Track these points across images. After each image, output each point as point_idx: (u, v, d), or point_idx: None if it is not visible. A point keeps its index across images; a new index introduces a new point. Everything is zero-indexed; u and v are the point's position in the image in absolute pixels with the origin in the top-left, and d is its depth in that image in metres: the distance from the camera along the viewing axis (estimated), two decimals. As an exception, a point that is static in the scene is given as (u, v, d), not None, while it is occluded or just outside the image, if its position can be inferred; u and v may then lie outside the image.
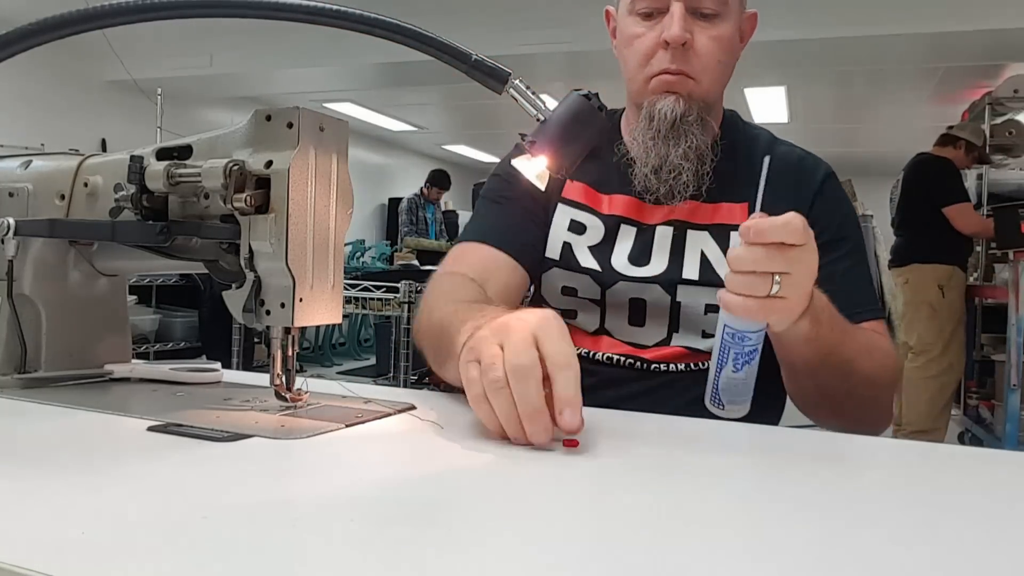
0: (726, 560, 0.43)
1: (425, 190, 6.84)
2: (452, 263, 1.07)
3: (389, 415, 0.77)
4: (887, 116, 6.84)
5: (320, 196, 0.75)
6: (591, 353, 1.05)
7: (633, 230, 1.07)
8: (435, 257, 3.05)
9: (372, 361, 6.16)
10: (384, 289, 2.64)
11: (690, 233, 1.04)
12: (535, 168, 0.88)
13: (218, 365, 0.98)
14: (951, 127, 4.02)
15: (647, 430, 0.78)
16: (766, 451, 0.74)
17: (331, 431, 0.69)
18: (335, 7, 0.73)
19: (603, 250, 1.07)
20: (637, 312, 1.05)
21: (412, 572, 0.40)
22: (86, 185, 0.86)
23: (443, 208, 7.08)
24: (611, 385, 1.03)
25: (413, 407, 0.80)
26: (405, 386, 2.67)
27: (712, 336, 0.98)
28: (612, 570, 0.40)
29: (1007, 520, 0.52)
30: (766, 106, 6.50)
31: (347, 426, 0.71)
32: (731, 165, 1.05)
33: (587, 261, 1.07)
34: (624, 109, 1.13)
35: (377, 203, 9.26)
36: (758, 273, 0.72)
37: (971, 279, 3.97)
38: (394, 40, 0.76)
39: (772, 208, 0.98)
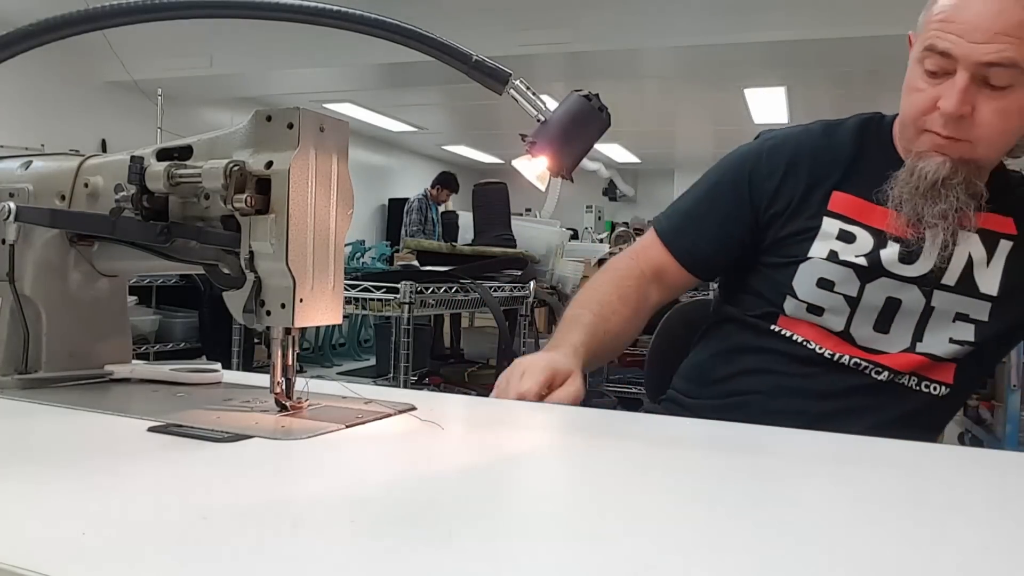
0: (726, 560, 0.43)
1: (433, 192, 6.84)
2: (641, 250, 1.19)
3: (389, 415, 0.77)
4: (887, 116, 6.84)
5: (320, 197, 0.74)
6: (833, 355, 1.05)
7: (898, 244, 1.05)
8: (435, 258, 3.04)
9: (372, 361, 6.16)
10: (384, 290, 2.63)
11: (960, 235, 1.02)
12: (535, 168, 0.88)
13: (218, 366, 0.98)
14: None
15: (648, 430, 0.78)
16: (766, 451, 0.74)
17: (331, 432, 0.69)
18: (335, 7, 0.73)
19: (872, 255, 1.05)
20: (885, 316, 1.04)
21: (412, 572, 0.40)
22: (86, 186, 0.86)
23: (443, 209, 7.08)
24: (837, 396, 1.04)
25: (413, 407, 0.80)
26: (405, 386, 2.67)
27: (958, 344, 1.03)
28: (612, 570, 0.40)
29: (1007, 520, 0.52)
30: (766, 106, 6.50)
31: (347, 427, 0.71)
32: (997, 180, 1.04)
33: (851, 258, 1.05)
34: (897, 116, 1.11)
35: (377, 204, 9.26)
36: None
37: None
38: (395, 41, 0.76)
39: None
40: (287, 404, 0.76)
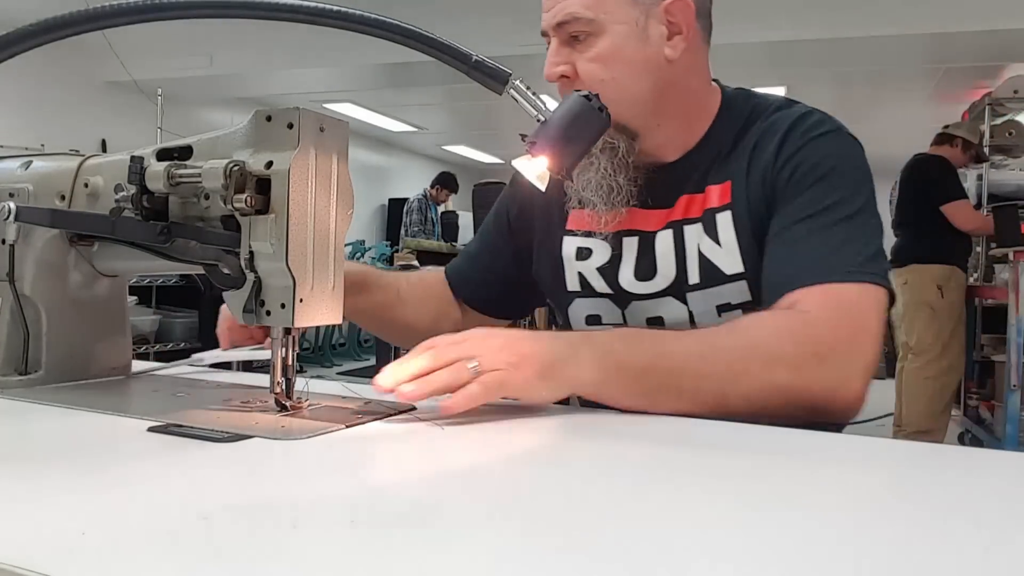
0: (725, 560, 0.43)
1: (433, 192, 6.83)
2: (425, 272, 1.27)
3: (389, 416, 0.77)
4: (887, 116, 6.84)
5: (320, 197, 0.75)
6: None
7: (635, 240, 1.02)
8: (435, 258, 3.06)
9: (372, 361, 6.16)
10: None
11: (686, 231, 0.99)
12: (535, 169, 0.88)
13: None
14: (947, 126, 4.02)
15: (647, 430, 0.78)
16: (766, 451, 0.74)
17: (331, 431, 0.69)
18: (335, 7, 0.73)
19: (611, 271, 1.03)
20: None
21: (412, 572, 0.40)
22: (86, 186, 0.86)
23: (443, 209, 7.08)
24: None
25: (413, 407, 0.80)
26: (405, 386, 2.67)
27: None
28: (612, 570, 0.40)
29: (1007, 520, 0.52)
30: (766, 106, 6.50)
31: (347, 427, 0.71)
32: (720, 150, 0.99)
33: (600, 286, 1.04)
34: None
35: (377, 203, 9.26)
36: (451, 366, 0.73)
37: (971, 279, 3.97)
38: (394, 41, 0.76)
39: (751, 178, 0.96)
40: (287, 404, 0.76)
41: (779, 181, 0.93)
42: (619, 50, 0.94)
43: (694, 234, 0.99)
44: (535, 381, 0.76)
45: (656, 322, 1.01)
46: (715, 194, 0.98)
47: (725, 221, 0.97)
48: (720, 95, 1.05)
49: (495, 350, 0.75)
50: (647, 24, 0.95)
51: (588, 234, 1.05)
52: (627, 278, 1.02)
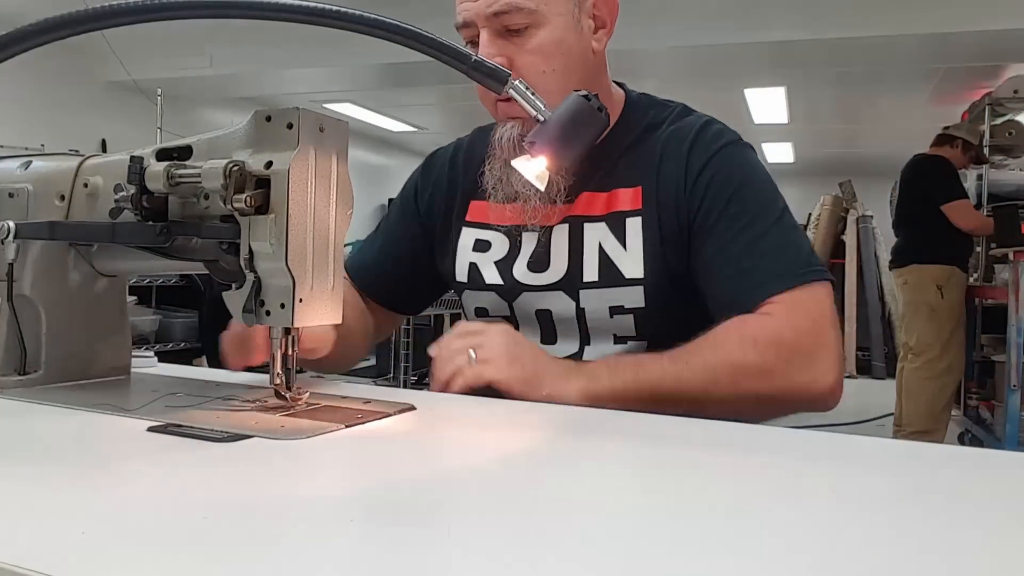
0: (726, 560, 0.43)
1: None
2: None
3: (389, 415, 0.77)
4: (887, 116, 6.84)
5: (320, 197, 0.75)
6: None
7: (535, 235, 1.03)
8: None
9: (372, 361, 6.15)
10: (384, 289, 2.64)
11: (587, 228, 0.99)
12: (535, 168, 0.88)
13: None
14: (947, 127, 4.02)
15: (646, 430, 0.78)
16: (766, 451, 0.74)
17: (331, 431, 0.69)
18: (335, 7, 0.73)
19: (507, 263, 1.04)
20: (547, 327, 1.02)
21: (412, 572, 0.40)
22: (86, 186, 0.86)
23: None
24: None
25: (413, 407, 0.80)
26: (405, 386, 2.67)
27: (625, 340, 0.97)
28: (612, 570, 0.40)
29: (1007, 520, 0.52)
30: (766, 106, 6.50)
31: (347, 426, 0.71)
32: (623, 152, 1.00)
33: (492, 277, 1.05)
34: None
35: (377, 203, 9.26)
36: (454, 350, 0.83)
37: (971, 280, 3.97)
38: (394, 41, 0.76)
39: (661, 187, 0.97)
40: (287, 396, 0.76)
41: (693, 200, 0.95)
42: (560, 41, 0.95)
43: (596, 232, 0.99)
44: (519, 385, 0.84)
45: (544, 315, 1.02)
46: (625, 197, 0.99)
47: (635, 226, 0.97)
48: (624, 96, 1.06)
49: (498, 346, 0.82)
50: (580, 16, 0.97)
51: (487, 226, 1.07)
52: (521, 269, 1.03)
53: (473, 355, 0.82)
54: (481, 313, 1.07)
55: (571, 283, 0.99)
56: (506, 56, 0.94)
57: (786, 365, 0.84)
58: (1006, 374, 3.40)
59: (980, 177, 4.33)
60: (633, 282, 0.96)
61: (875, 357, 6.58)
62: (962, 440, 4.12)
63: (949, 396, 3.79)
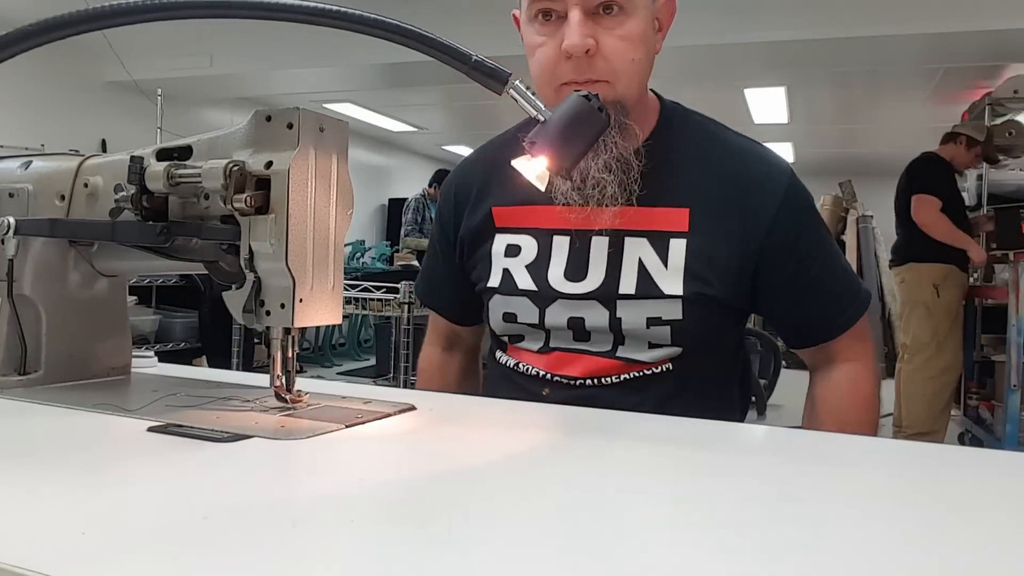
0: (726, 560, 0.43)
1: (431, 191, 6.83)
2: (430, 334, 1.26)
3: (389, 415, 0.77)
4: (887, 116, 6.84)
5: (320, 197, 0.75)
6: (551, 375, 1.02)
7: (566, 240, 1.02)
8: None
9: (372, 362, 6.15)
10: (384, 290, 2.64)
11: (627, 241, 0.98)
12: (535, 169, 0.88)
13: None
14: (964, 118, 4.00)
15: (646, 431, 0.78)
16: (766, 451, 0.74)
17: (331, 431, 0.69)
18: (335, 8, 0.73)
19: (539, 267, 1.02)
20: (579, 334, 1.01)
21: (412, 572, 0.40)
22: (86, 186, 0.86)
23: (443, 209, 7.07)
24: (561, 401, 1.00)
25: (413, 407, 0.80)
26: (405, 386, 2.66)
27: (659, 346, 0.98)
28: (612, 570, 0.40)
29: (1007, 520, 0.52)
30: (766, 106, 6.49)
31: (347, 426, 0.71)
32: (667, 166, 0.99)
33: (525, 283, 1.03)
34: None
35: (377, 203, 9.26)
36: None
37: (971, 279, 3.96)
38: (394, 41, 0.76)
39: (717, 212, 0.98)
40: (287, 397, 0.76)
41: (776, 236, 0.99)
42: (644, 33, 0.95)
43: (637, 247, 0.99)
44: None
45: (576, 322, 1.00)
46: (671, 217, 0.98)
47: (678, 247, 0.97)
48: (658, 102, 1.06)
49: None
50: (653, 13, 0.98)
51: (518, 231, 1.06)
52: (556, 276, 1.01)
53: None
54: (510, 319, 1.05)
55: (607, 294, 0.98)
56: (595, 38, 0.92)
57: (878, 410, 1.05)
58: (1006, 374, 3.40)
59: (980, 177, 4.32)
60: (672, 297, 0.97)
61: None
62: (962, 440, 4.12)
63: (948, 396, 3.78)
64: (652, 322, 0.97)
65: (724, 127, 1.06)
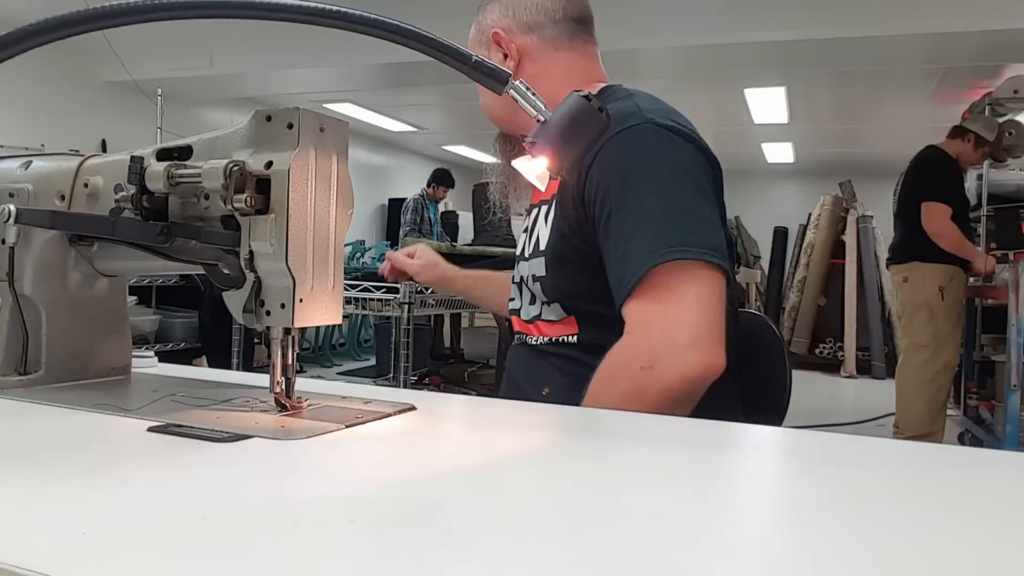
0: (725, 560, 0.43)
1: (430, 190, 6.84)
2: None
3: (389, 415, 0.77)
4: (887, 116, 6.84)
5: (320, 197, 0.75)
6: (525, 336, 1.14)
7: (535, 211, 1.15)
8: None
9: (372, 362, 6.16)
10: (384, 290, 2.64)
11: (538, 209, 1.12)
12: (535, 169, 0.88)
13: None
14: (964, 119, 3.96)
15: (645, 431, 0.78)
16: (765, 451, 0.74)
17: (331, 432, 0.69)
18: (335, 8, 0.73)
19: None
20: (522, 292, 1.15)
21: (412, 572, 0.40)
22: (86, 186, 0.86)
23: (443, 208, 7.08)
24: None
25: (413, 407, 0.80)
26: (405, 387, 2.67)
27: (538, 305, 1.11)
28: (611, 570, 0.40)
29: (1007, 520, 0.52)
30: (766, 106, 6.50)
31: (347, 427, 0.71)
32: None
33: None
34: None
35: (377, 203, 9.26)
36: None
37: (971, 279, 3.95)
38: (394, 41, 0.76)
39: (564, 182, 1.05)
40: (287, 404, 0.76)
41: (588, 191, 1.00)
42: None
43: (540, 212, 1.11)
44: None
45: (517, 278, 1.17)
46: (556, 182, 1.08)
47: (551, 207, 1.08)
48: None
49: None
50: (488, 55, 1.13)
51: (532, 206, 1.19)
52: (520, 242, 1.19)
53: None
54: (515, 280, 1.19)
55: (522, 255, 1.15)
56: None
57: (650, 377, 0.90)
58: (1006, 374, 3.39)
59: (980, 177, 4.32)
60: (540, 253, 1.08)
61: (875, 357, 6.58)
62: (962, 440, 4.12)
63: (945, 396, 3.77)
64: (536, 279, 1.08)
65: (622, 95, 1.08)
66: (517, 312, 1.16)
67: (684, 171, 0.97)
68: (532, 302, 1.11)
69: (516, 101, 0.84)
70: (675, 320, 0.90)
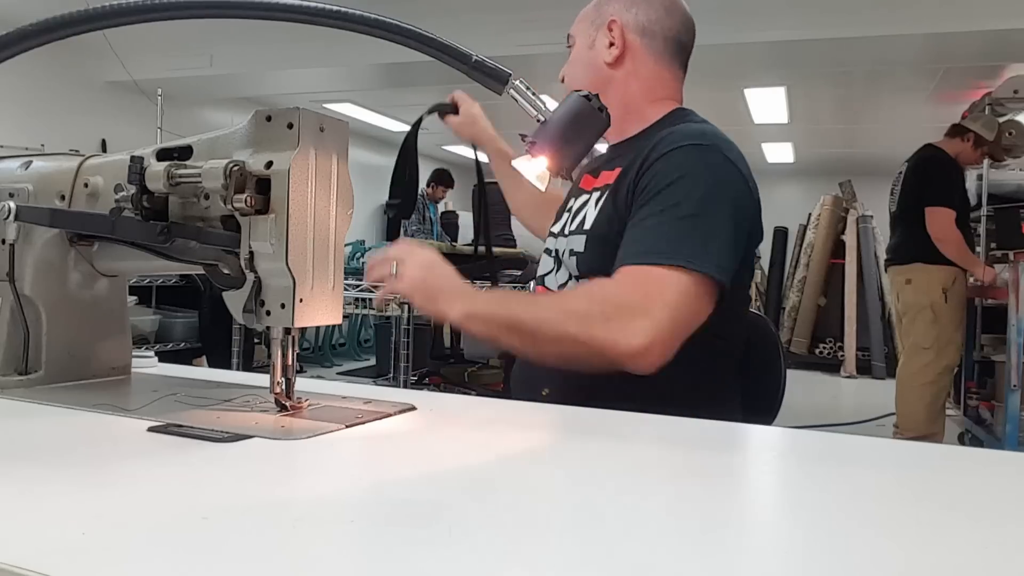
0: (724, 560, 0.43)
1: (430, 190, 6.84)
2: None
3: (389, 415, 0.77)
4: (887, 116, 6.83)
5: (320, 197, 0.74)
6: None
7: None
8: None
9: (372, 361, 6.16)
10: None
11: (592, 196, 1.19)
12: (535, 169, 0.88)
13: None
14: (964, 117, 3.93)
15: (645, 431, 0.78)
16: (765, 451, 0.74)
17: (331, 432, 0.69)
18: (335, 7, 0.73)
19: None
20: (549, 268, 1.24)
21: (412, 572, 0.40)
22: (86, 186, 0.86)
23: (443, 208, 7.08)
24: None
25: (413, 407, 0.80)
26: (405, 387, 2.67)
27: (571, 276, 1.17)
28: (611, 570, 0.40)
29: (1007, 520, 0.52)
30: (766, 106, 6.49)
31: (347, 427, 0.71)
32: (631, 141, 1.18)
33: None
34: None
35: (377, 204, 9.25)
36: (385, 260, 1.00)
37: (972, 280, 3.94)
38: (394, 41, 0.76)
39: (630, 170, 1.11)
40: (287, 404, 0.76)
41: (639, 186, 1.08)
42: (577, 56, 1.23)
43: (591, 198, 1.18)
44: (418, 300, 1.00)
45: (549, 253, 1.26)
46: (611, 176, 1.15)
47: (602, 195, 1.15)
48: (666, 114, 1.20)
49: (413, 267, 1.00)
50: (595, 34, 1.21)
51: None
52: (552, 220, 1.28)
53: (395, 269, 1.00)
54: (547, 250, 1.28)
55: (561, 232, 1.22)
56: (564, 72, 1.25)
57: (602, 316, 0.96)
58: (1006, 374, 3.39)
59: (980, 177, 4.31)
60: (583, 232, 1.14)
61: (875, 357, 6.58)
62: (962, 440, 4.11)
63: (945, 396, 3.76)
64: (572, 253, 1.15)
65: (686, 122, 1.17)
66: (543, 280, 1.24)
67: (729, 199, 1.06)
68: (562, 272, 1.19)
69: (516, 101, 0.84)
70: (654, 309, 0.97)
